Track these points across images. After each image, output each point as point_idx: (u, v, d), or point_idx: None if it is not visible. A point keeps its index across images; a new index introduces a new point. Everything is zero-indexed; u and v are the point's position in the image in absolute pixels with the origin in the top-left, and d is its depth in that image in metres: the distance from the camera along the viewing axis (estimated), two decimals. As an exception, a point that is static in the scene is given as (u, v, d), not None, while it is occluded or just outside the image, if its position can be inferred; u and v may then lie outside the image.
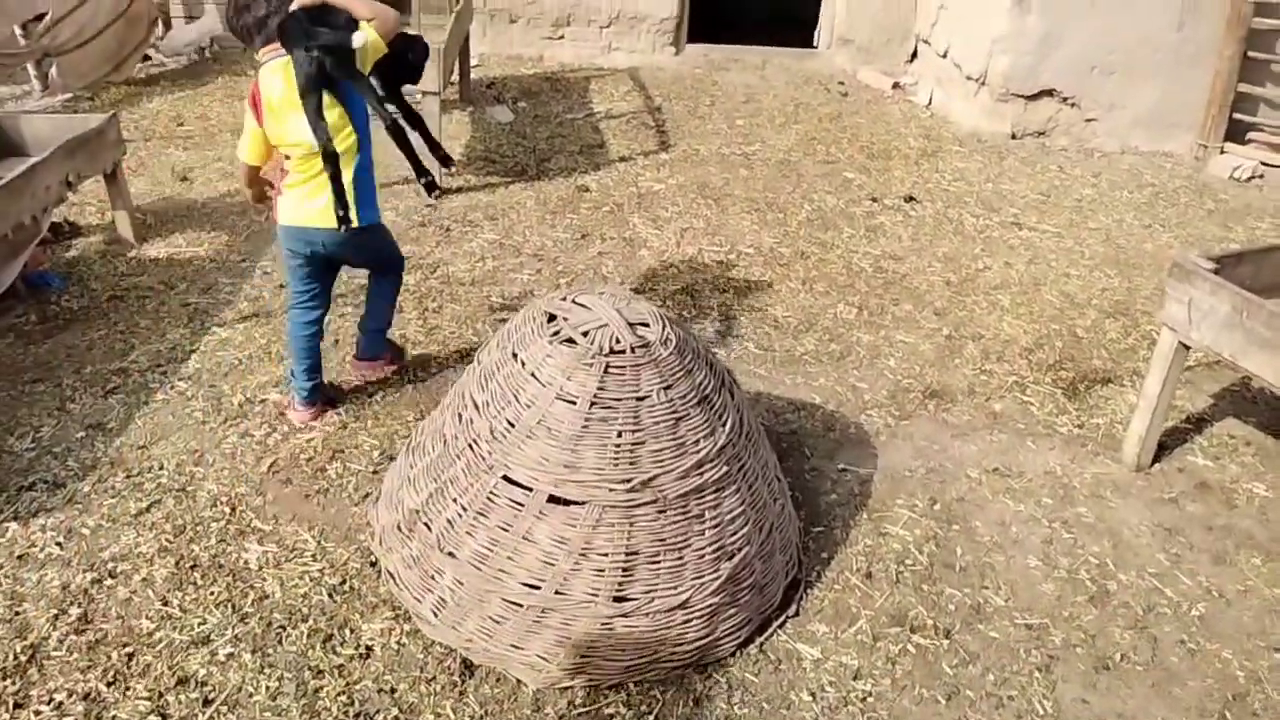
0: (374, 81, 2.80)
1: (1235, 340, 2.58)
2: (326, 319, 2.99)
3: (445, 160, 3.32)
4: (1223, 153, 5.82)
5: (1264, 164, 5.71)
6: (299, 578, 2.39)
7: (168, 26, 6.64)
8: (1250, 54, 5.67)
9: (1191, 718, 2.19)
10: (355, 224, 2.73)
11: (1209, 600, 2.52)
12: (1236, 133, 5.91)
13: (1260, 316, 2.49)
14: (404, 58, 3.21)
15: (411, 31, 3.43)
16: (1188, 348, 2.81)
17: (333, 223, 2.70)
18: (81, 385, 3.10)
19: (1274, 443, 3.19)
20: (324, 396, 3.03)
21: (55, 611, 2.26)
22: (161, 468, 2.75)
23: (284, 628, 2.25)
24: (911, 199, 5.01)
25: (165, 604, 2.29)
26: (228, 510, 2.60)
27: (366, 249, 2.93)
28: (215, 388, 3.12)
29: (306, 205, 2.74)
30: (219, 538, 2.50)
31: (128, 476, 2.71)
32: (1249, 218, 5.13)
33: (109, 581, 2.35)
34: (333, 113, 2.64)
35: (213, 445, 2.86)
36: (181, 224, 4.26)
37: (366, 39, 2.64)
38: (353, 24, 2.65)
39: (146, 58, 6.41)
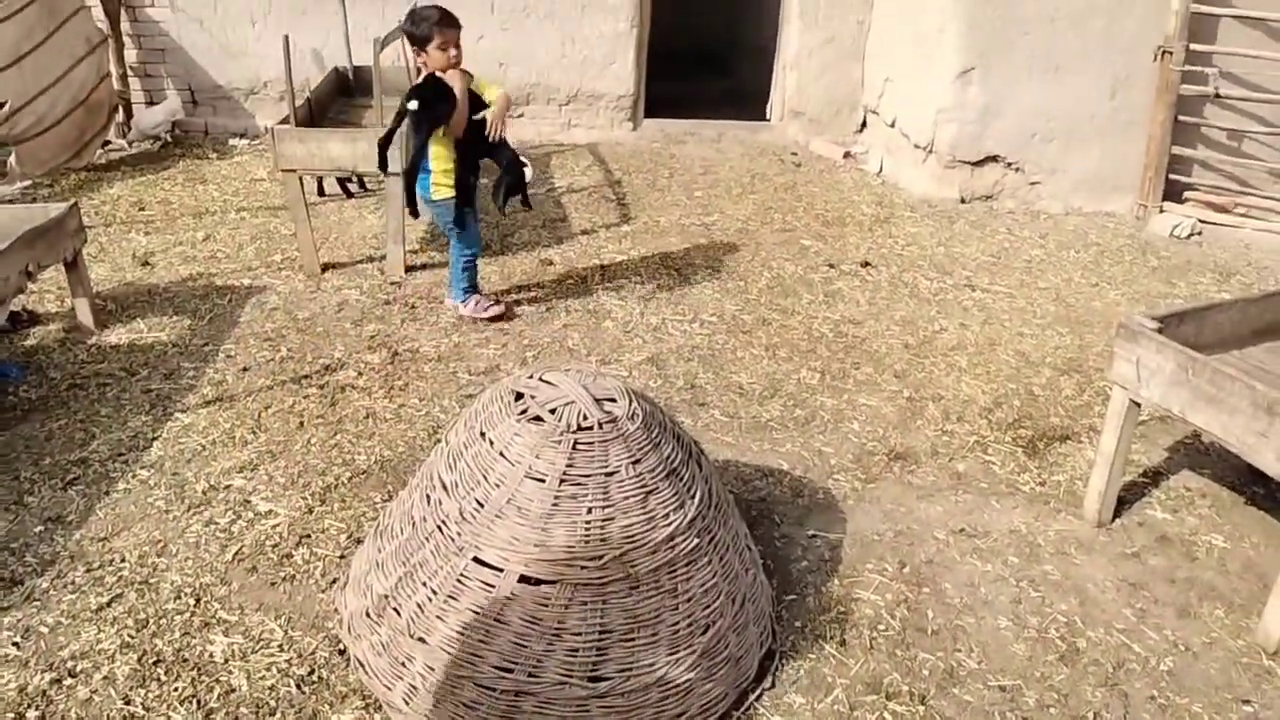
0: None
1: (1182, 397, 2.67)
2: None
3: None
4: (1162, 211, 6.06)
5: (1202, 221, 5.96)
6: (266, 669, 2.34)
7: (128, 113, 6.68)
8: (1181, 118, 5.96)
9: (1167, 775, 2.20)
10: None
11: (1176, 654, 2.55)
12: (1174, 192, 6.17)
13: (1204, 374, 2.58)
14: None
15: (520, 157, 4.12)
16: (1139, 404, 2.89)
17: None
18: (40, 477, 3.05)
19: (1229, 494, 3.27)
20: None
21: (12, 716, 2.18)
22: (123, 560, 2.70)
23: (251, 723, 2.19)
24: (867, 264, 5.14)
25: (128, 703, 2.23)
26: (192, 601, 2.55)
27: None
28: (178, 475, 3.09)
29: None
30: (183, 630, 2.45)
31: (88, 570, 2.65)
32: (1190, 273, 5.32)
33: (69, 681, 2.28)
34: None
35: (176, 535, 2.81)
36: (143, 309, 4.24)
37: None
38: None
39: (106, 143, 6.44)
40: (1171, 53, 5.80)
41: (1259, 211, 6.09)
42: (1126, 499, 3.17)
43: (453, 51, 3.74)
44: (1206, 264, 5.47)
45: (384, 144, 3.94)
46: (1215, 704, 2.40)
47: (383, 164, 4.02)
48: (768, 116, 7.83)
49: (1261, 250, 5.72)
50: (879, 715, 2.30)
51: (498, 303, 4.31)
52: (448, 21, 3.74)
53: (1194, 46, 5.79)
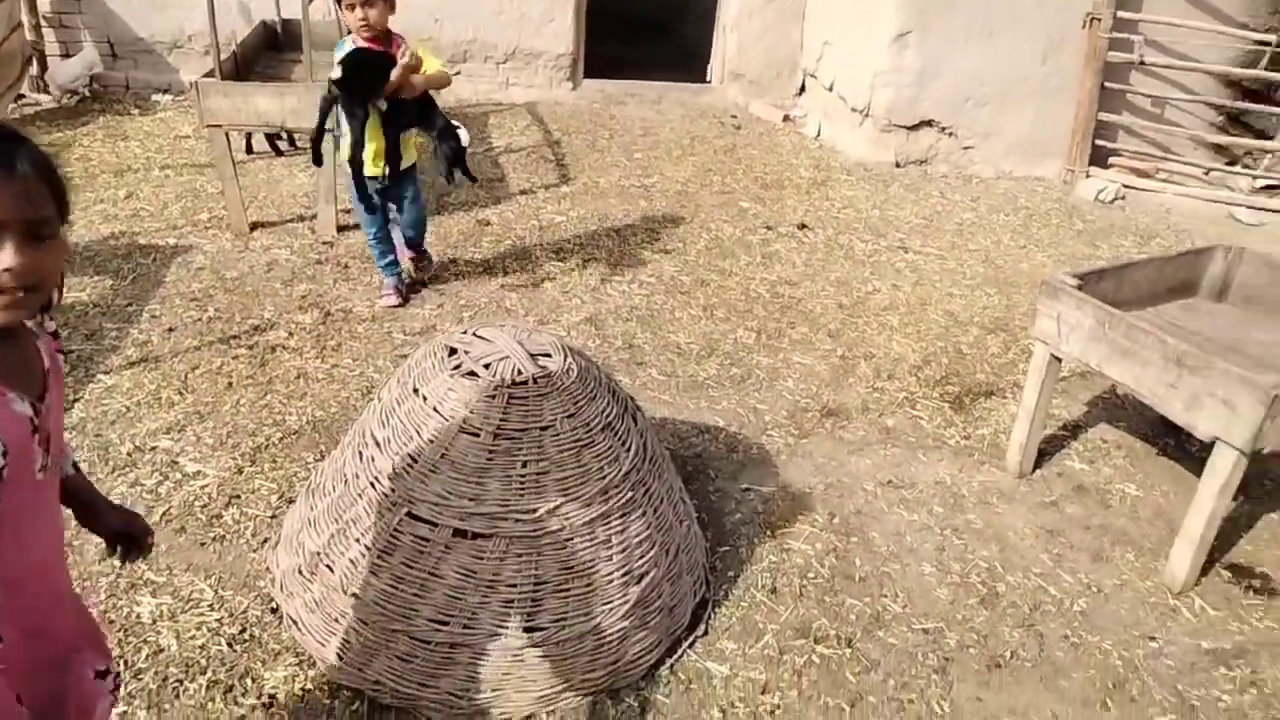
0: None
1: (1100, 351, 2.77)
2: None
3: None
4: (1088, 176, 6.23)
5: (1126, 186, 6.15)
6: (196, 629, 2.31)
7: (43, 66, 6.39)
8: (1107, 84, 6.11)
9: (1077, 708, 2.32)
10: None
11: (1089, 596, 2.68)
12: (1100, 158, 6.35)
13: (1120, 328, 2.68)
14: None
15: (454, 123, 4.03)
16: (1060, 360, 2.99)
17: None
18: (-47, 440, 2.94)
19: (1142, 445, 3.41)
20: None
21: (-72, 681, 2.12)
22: (44, 523, 2.63)
23: (181, 681, 2.17)
24: (804, 226, 5.19)
25: (51, 665, 2.18)
26: (117, 563, 2.49)
27: None
28: (101, 437, 3.01)
29: None
30: (109, 592, 2.40)
31: (7, 534, 2.57)
32: (1114, 236, 5.49)
33: (-12, 645, 2.23)
34: None
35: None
36: (62, 268, 4.09)
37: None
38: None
39: (20, 97, 6.15)
40: (1100, 19, 5.93)
41: (1179, 177, 6.32)
42: (1046, 451, 3.30)
43: (359, 13, 3.40)
44: (1129, 227, 5.65)
45: (316, 139, 3.65)
46: (1124, 641, 2.52)
47: (317, 159, 3.75)
48: (708, 79, 7.81)
49: (1181, 214, 5.93)
50: (807, 658, 2.37)
51: (396, 291, 4.00)
52: None
53: (1121, 14, 5.93)
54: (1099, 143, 6.29)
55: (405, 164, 3.80)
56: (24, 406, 1.19)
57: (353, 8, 3.39)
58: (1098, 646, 2.50)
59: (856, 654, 2.40)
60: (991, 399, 3.64)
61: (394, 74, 3.46)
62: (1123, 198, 6.09)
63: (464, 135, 4.02)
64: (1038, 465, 3.22)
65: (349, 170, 3.72)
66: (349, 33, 3.57)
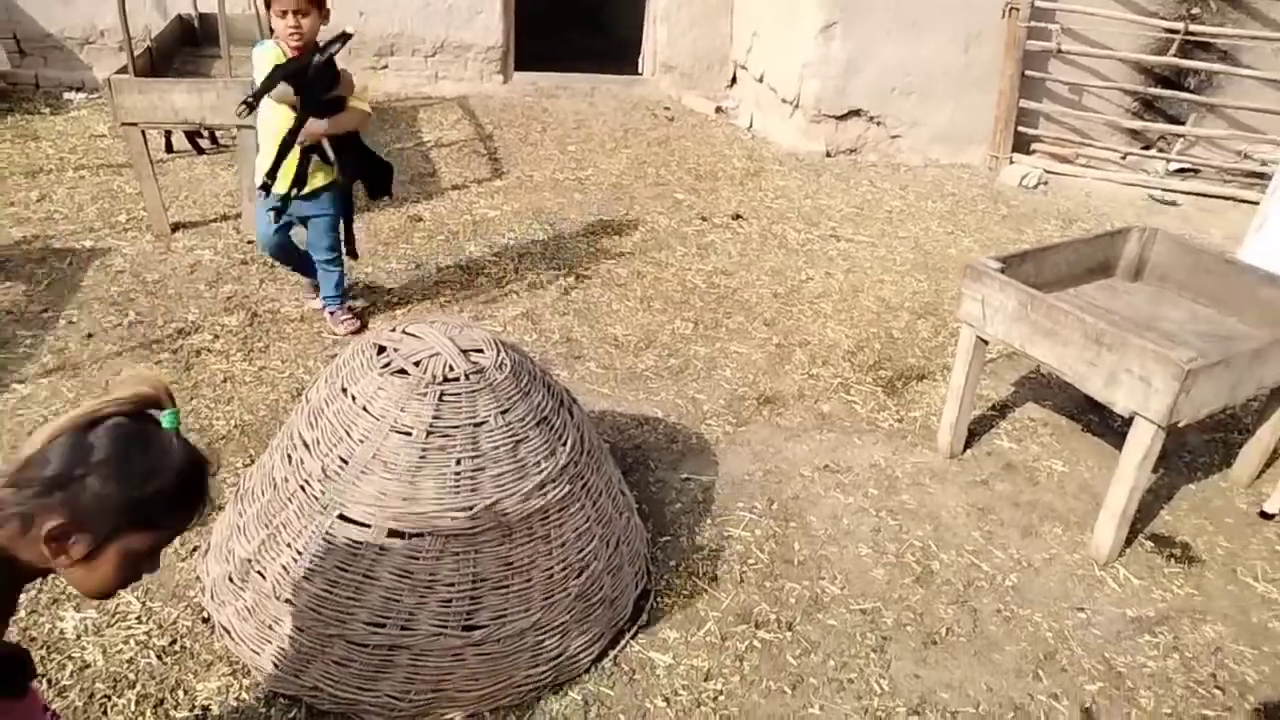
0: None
1: (1023, 331, 2.84)
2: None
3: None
4: (1012, 163, 6.39)
5: (1048, 171, 6.32)
6: (123, 643, 2.24)
7: (-55, 62, 6.09)
8: (1027, 73, 6.27)
9: (1010, 679, 2.38)
10: None
11: (1020, 570, 2.75)
12: (1022, 144, 6.51)
13: (1041, 309, 2.76)
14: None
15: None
16: (986, 342, 3.07)
17: None
18: None
19: (1068, 423, 3.52)
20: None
21: None
22: (-44, 540, 2.51)
23: (109, 697, 2.10)
24: (738, 217, 5.23)
25: (-33, 688, 2.09)
26: (38, 579, 2.40)
27: None
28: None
29: None
30: (29, 609, 2.31)
31: (-84, 553, 2.46)
32: (1037, 220, 5.65)
33: (-103, 671, 2.12)
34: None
35: (17, 511, 2.63)
36: (-30, 275, 3.92)
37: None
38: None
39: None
40: (1018, 9, 6.07)
41: (1098, 162, 6.52)
42: (976, 431, 3.38)
43: (290, 21, 3.10)
44: (1051, 211, 5.81)
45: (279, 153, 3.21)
46: (1054, 613, 2.60)
47: (265, 187, 3.25)
48: (640, 71, 7.80)
49: (1100, 198, 6.12)
50: (749, 643, 2.40)
51: (354, 317, 3.76)
52: None
53: (1039, 4, 6.08)
54: (1021, 129, 6.45)
55: (311, 186, 3.40)
56: None
57: (284, 14, 3.09)
58: (1029, 619, 2.57)
59: (797, 637, 2.43)
60: (923, 382, 3.71)
61: (313, 126, 3.18)
62: (1045, 183, 6.26)
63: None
64: (968, 445, 3.30)
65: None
66: (272, 34, 3.22)
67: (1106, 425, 3.49)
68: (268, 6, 3.19)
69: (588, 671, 2.28)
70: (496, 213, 5.01)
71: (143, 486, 1.22)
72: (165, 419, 1.16)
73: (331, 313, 3.72)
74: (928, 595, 2.62)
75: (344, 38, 3.08)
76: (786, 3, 6.44)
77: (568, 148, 6.13)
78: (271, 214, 3.42)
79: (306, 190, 3.39)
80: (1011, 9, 6.10)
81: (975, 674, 2.39)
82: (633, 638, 2.39)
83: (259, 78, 3.15)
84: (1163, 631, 2.58)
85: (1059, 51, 6.19)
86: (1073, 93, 6.55)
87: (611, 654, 2.33)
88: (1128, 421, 2.64)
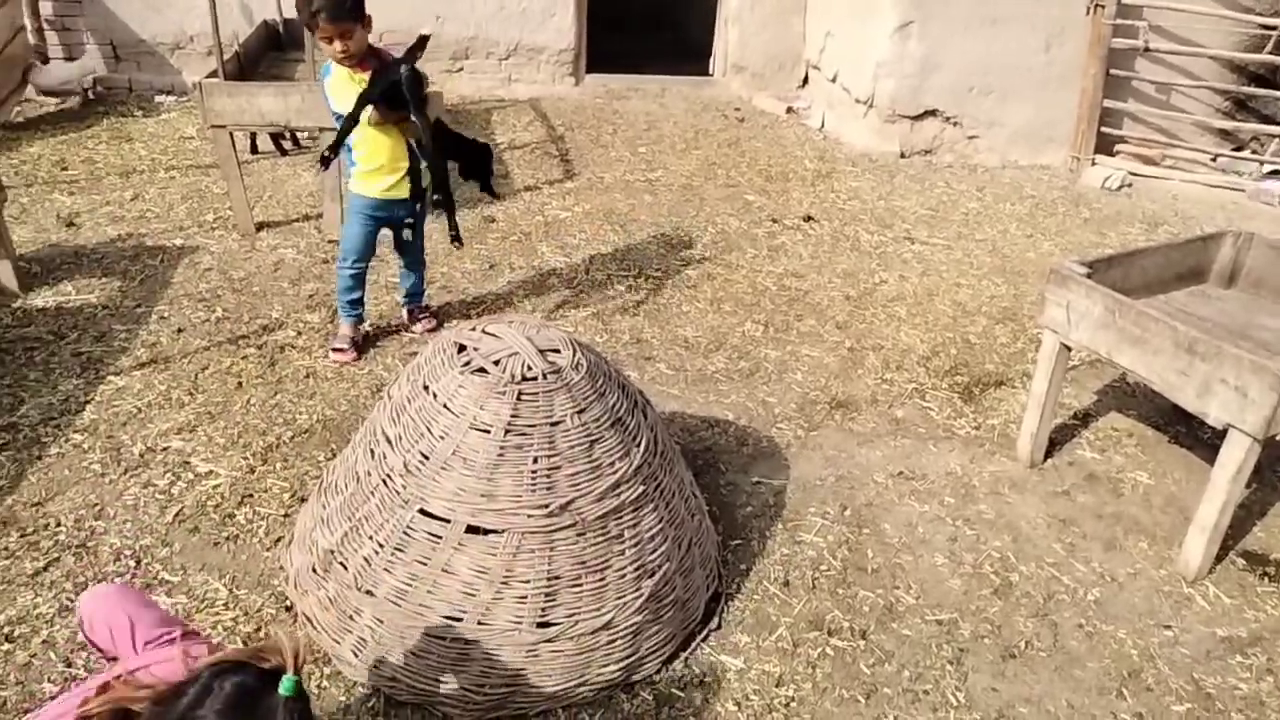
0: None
1: (1109, 339, 2.76)
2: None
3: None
4: (1094, 164, 6.21)
5: (1132, 173, 6.12)
6: (211, 628, 2.32)
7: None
8: (1112, 71, 6.08)
9: (1092, 697, 2.31)
10: None
11: (1103, 585, 2.67)
12: (1106, 145, 6.32)
13: (1130, 316, 2.67)
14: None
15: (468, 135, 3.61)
16: (1069, 348, 2.98)
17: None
18: (-34, 444, 2.95)
19: (1154, 433, 3.40)
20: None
21: (-54, 683, 2.14)
22: (59, 524, 2.64)
23: (197, 681, 2.17)
24: (810, 218, 5.18)
25: (69, 665, 2.20)
26: (133, 564, 2.51)
27: None
28: (113, 438, 3.01)
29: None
30: (124, 593, 2.41)
31: (22, 535, 2.58)
32: (1121, 224, 5.47)
33: (6, 646, 2.24)
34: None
35: (113, 498, 2.76)
36: (70, 271, 4.10)
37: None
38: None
39: (24, 101, 6.16)
40: (1104, 6, 5.90)
41: (1185, 163, 6.28)
42: (1057, 440, 3.29)
43: (338, 45, 3.11)
44: (1136, 215, 5.63)
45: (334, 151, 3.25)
46: (1139, 629, 2.52)
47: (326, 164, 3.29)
48: (711, 72, 7.79)
49: (1188, 200, 5.90)
50: (821, 650, 2.37)
51: (351, 343, 3.58)
52: (329, 14, 3.04)
53: (1125, 0, 5.89)
54: (1104, 130, 6.26)
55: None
56: None
57: (330, 40, 3.10)
58: (1112, 636, 2.49)
59: (871, 646, 2.40)
60: (1001, 389, 3.63)
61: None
62: (1129, 185, 6.06)
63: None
64: (1049, 455, 3.21)
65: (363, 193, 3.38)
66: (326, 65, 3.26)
67: (1195, 437, 3.36)
68: (312, 32, 3.23)
69: (659, 673, 2.28)
70: (568, 214, 5.05)
71: None
72: (284, 685, 1.27)
73: (410, 311, 3.80)
74: (1006, 607, 2.56)
75: (422, 43, 3.14)
76: (862, 1, 6.36)
77: (638, 149, 6.15)
78: (372, 220, 3.44)
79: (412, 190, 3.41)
80: (1096, 5, 5.92)
81: (1056, 690, 2.32)
82: (704, 640, 2.38)
83: (335, 106, 3.22)
84: (1256, 653, 2.47)
85: (1146, 49, 5.99)
86: (1160, 92, 6.33)
87: (683, 656, 2.33)
88: (1219, 433, 2.54)
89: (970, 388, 3.61)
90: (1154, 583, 2.69)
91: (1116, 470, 3.19)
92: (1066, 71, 6.16)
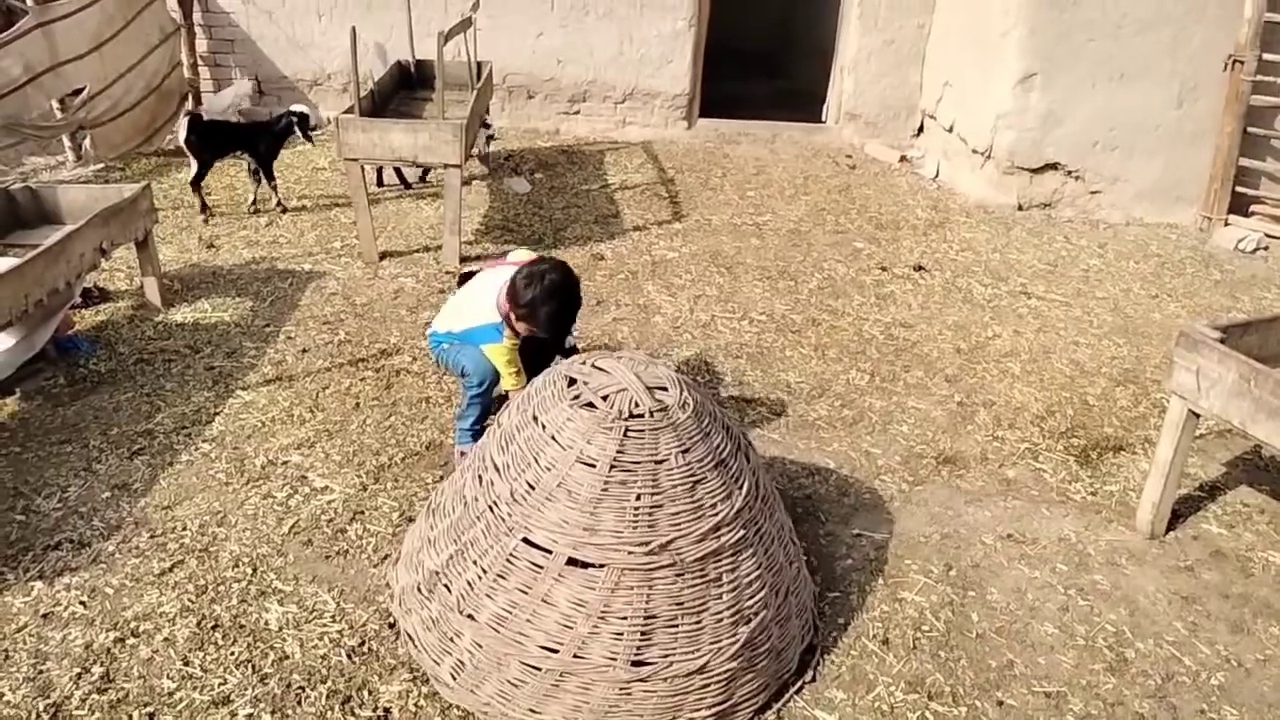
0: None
1: (1244, 408, 2.61)
2: None
3: None
4: (1227, 224, 5.92)
5: (1268, 235, 5.80)
6: (319, 639, 2.41)
7: (198, 100, 6.87)
8: (1250, 129, 5.81)
9: (1215, 790, 2.17)
10: None
11: (1228, 669, 2.51)
12: (1240, 205, 6.02)
13: (1267, 385, 2.53)
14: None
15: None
16: (1198, 415, 2.84)
17: None
18: (108, 446, 3.16)
19: (1288, 511, 3.19)
20: None
21: (78, 670, 2.28)
22: (184, 528, 2.79)
23: (303, 689, 2.26)
24: (920, 268, 5.10)
25: (186, 664, 2.31)
26: (249, 571, 2.63)
27: None
28: (238, 449, 3.18)
29: None
30: (240, 598, 2.53)
31: (151, 537, 2.75)
32: (1255, 288, 5.19)
33: (131, 641, 2.37)
34: None
35: (235, 506, 2.90)
36: (207, 290, 4.37)
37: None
38: None
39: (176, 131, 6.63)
40: (1243, 62, 5.66)
41: (1329, 227, 5.92)
42: (1181, 512, 3.12)
43: (525, 326, 3.00)
44: (1273, 279, 5.33)
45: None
46: (1267, 721, 2.35)
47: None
48: (823, 118, 7.79)
49: (1331, 266, 5.56)
50: (920, 714, 2.30)
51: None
52: (551, 323, 2.97)
53: (1267, 56, 5.64)
54: (1239, 189, 5.97)
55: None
56: None
57: (523, 319, 2.95)
58: (1238, 725, 2.33)
59: (973, 714, 2.31)
60: (1120, 454, 3.47)
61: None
62: (1265, 248, 5.75)
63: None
64: (1171, 527, 3.05)
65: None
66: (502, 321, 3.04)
67: (1336, 518, 3.14)
68: (510, 321, 3.02)
69: (751, 721, 2.25)
70: (675, 254, 5.11)
71: None
72: None
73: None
74: (1120, 685, 2.43)
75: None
76: (984, 52, 6.27)
77: (747, 193, 6.19)
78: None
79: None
80: (1235, 61, 5.69)
81: (1174, 778, 2.19)
82: (797, 692, 2.34)
83: (495, 360, 3.07)
84: (1404, 759, 2.28)
85: (1288, 107, 5.70)
86: (1302, 151, 6.01)
87: (775, 707, 2.29)
88: (1368, 517, 2.37)
89: (1087, 451, 3.47)
90: (1287, 672, 2.51)
91: (1246, 548, 3.00)
92: (1199, 128, 5.92)
